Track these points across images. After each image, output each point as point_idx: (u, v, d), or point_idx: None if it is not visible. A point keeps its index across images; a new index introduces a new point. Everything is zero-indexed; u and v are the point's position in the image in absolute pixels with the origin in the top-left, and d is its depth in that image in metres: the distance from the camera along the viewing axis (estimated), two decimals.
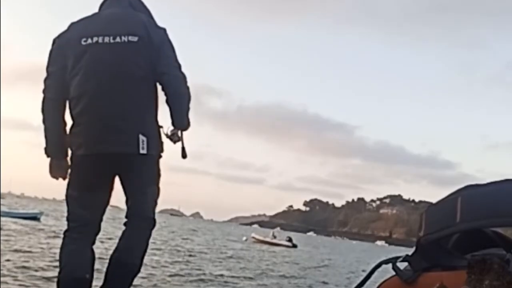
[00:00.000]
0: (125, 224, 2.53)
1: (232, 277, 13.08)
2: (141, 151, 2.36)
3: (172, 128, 2.58)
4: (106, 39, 2.37)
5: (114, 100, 2.37)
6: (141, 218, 2.50)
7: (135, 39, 2.38)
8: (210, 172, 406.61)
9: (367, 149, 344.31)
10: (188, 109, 2.56)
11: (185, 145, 2.60)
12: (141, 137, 2.35)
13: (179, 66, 2.51)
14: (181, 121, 2.58)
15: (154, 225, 2.56)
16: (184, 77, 2.50)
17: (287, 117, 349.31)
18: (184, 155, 2.63)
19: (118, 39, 2.37)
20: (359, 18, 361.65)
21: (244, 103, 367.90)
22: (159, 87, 2.54)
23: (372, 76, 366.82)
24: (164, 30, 2.54)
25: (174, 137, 2.58)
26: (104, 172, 2.47)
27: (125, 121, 2.36)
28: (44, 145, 2.62)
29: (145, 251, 2.49)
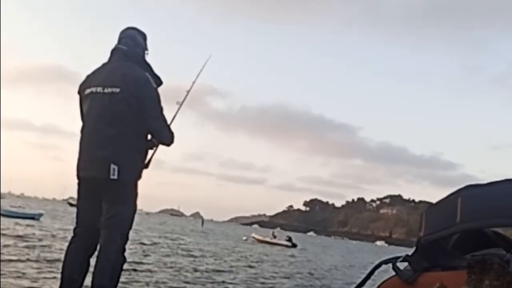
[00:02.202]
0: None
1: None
2: (111, 177, 3.02)
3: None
4: (99, 89, 3.13)
5: (97, 136, 3.12)
6: (106, 237, 3.05)
7: (117, 90, 3.09)
8: (212, 173, 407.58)
9: (369, 150, 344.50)
10: (167, 139, 3.28)
11: (153, 159, 3.32)
12: (112, 166, 3.02)
13: (159, 115, 3.20)
14: (162, 143, 3.31)
15: (121, 243, 3.09)
16: (162, 125, 3.22)
17: (290, 117, 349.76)
18: (147, 166, 3.29)
19: (105, 90, 3.11)
20: (363, 19, 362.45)
21: (247, 104, 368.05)
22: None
23: (377, 77, 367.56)
24: (145, 82, 3.14)
25: (149, 144, 3.27)
26: (89, 192, 3.16)
27: (101, 152, 3.07)
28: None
29: (114, 269, 3.03)
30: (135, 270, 10.95)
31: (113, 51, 3.31)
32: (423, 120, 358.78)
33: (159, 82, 3.31)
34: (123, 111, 3.10)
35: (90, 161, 3.13)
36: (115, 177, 3.03)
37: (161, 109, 3.23)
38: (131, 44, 3.30)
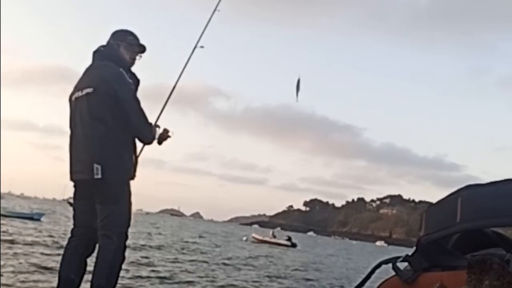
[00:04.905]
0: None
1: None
2: (95, 176, 3.05)
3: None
4: (79, 94, 3.21)
5: (80, 139, 3.17)
6: (102, 238, 3.07)
7: (91, 90, 3.14)
8: (213, 173, 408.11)
9: (373, 151, 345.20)
10: (146, 135, 3.27)
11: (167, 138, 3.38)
12: (95, 165, 3.05)
13: (137, 109, 3.18)
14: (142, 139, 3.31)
15: (119, 242, 3.10)
16: (143, 122, 3.19)
17: (294, 118, 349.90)
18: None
19: (84, 92, 3.17)
20: (368, 22, 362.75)
21: (251, 105, 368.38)
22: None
23: (382, 79, 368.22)
24: (117, 77, 3.16)
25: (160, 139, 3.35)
26: (82, 193, 3.21)
27: (84, 154, 3.13)
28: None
29: (112, 269, 3.05)
30: None
31: (94, 54, 3.35)
32: (427, 121, 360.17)
33: (136, 81, 3.30)
34: (101, 110, 3.12)
35: (77, 165, 3.18)
36: (99, 176, 3.05)
37: (138, 103, 3.20)
38: (109, 44, 3.34)
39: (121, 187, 3.17)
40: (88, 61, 3.34)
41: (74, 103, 3.26)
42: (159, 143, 3.34)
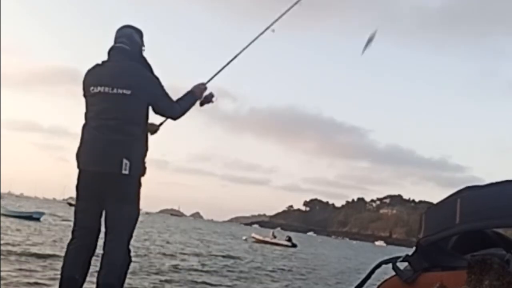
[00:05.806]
0: (104, 242, 3.09)
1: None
2: (123, 172, 3.04)
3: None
4: (107, 89, 3.16)
5: (107, 133, 3.14)
6: (114, 237, 3.06)
7: (129, 92, 3.15)
8: (216, 173, 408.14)
9: (377, 152, 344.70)
10: (175, 112, 3.38)
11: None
12: (125, 161, 3.04)
13: (170, 103, 3.34)
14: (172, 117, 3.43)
15: (128, 242, 3.13)
16: (175, 108, 3.35)
17: (300, 120, 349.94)
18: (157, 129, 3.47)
19: (115, 91, 3.15)
20: (379, 24, 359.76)
21: (256, 106, 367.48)
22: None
23: (389, 80, 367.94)
24: (151, 80, 3.27)
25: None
26: (94, 187, 3.12)
27: (113, 148, 3.09)
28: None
29: (122, 269, 3.06)
30: None
31: (112, 50, 3.30)
32: (434, 123, 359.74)
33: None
34: (133, 112, 3.16)
35: (99, 156, 3.10)
36: (127, 172, 3.04)
37: (165, 92, 3.31)
38: (129, 43, 3.30)
39: (139, 186, 3.19)
40: (92, 62, 3.31)
41: (97, 96, 3.21)
42: (201, 104, 3.53)
